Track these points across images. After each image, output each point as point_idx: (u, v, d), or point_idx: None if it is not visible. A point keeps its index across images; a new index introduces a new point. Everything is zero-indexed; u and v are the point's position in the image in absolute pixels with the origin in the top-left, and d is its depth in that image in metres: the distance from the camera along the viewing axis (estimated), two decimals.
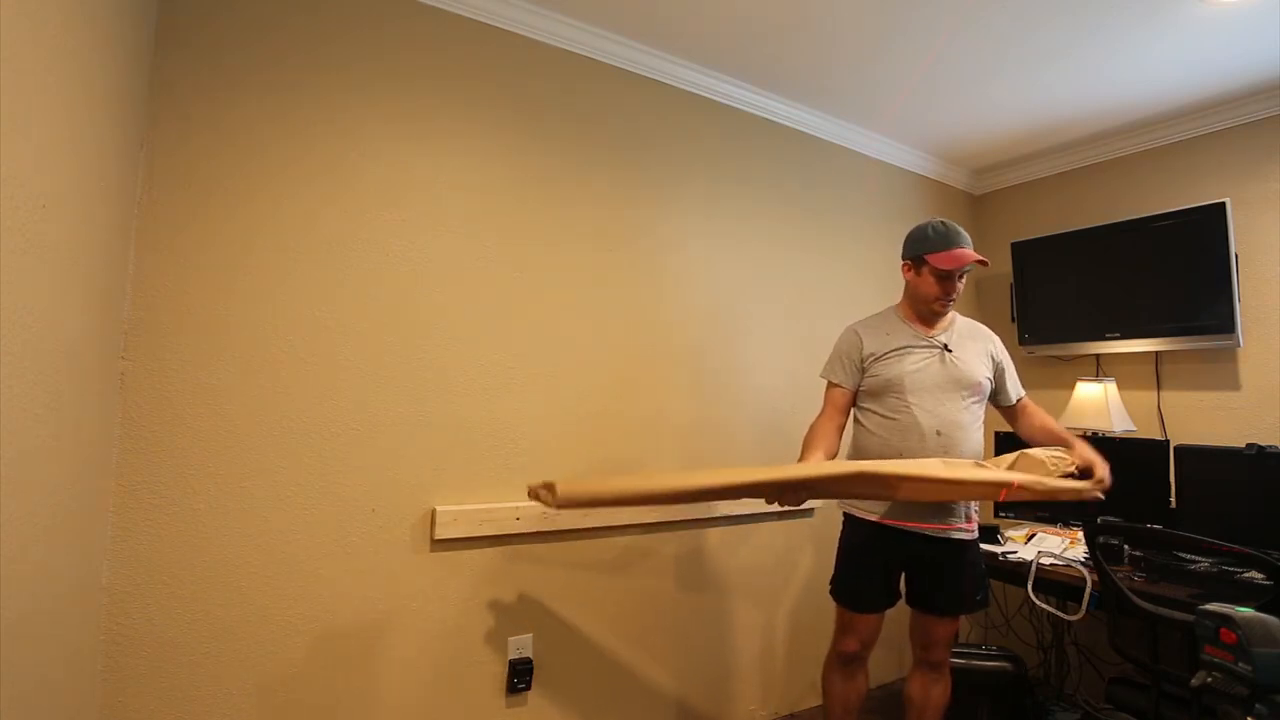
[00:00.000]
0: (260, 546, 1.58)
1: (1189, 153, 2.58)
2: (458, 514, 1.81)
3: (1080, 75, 2.29)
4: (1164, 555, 2.10)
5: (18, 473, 0.92)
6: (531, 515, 1.92)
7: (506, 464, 1.92)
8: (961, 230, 1.75)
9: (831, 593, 1.84)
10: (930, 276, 1.77)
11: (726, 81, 2.40)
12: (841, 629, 1.82)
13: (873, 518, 1.76)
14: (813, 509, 2.56)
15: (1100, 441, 2.45)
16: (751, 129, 2.53)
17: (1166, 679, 1.75)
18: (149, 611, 1.46)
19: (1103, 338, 2.65)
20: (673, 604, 2.22)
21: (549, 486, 1.34)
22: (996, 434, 2.60)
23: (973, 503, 1.79)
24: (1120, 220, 2.62)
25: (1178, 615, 1.64)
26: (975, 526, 1.79)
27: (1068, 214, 2.92)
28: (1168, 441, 2.33)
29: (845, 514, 1.86)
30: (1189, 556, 2.05)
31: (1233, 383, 2.42)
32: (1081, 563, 2.11)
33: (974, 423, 1.77)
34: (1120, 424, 2.42)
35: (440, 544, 1.80)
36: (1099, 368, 2.77)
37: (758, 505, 2.36)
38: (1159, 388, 2.60)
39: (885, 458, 1.68)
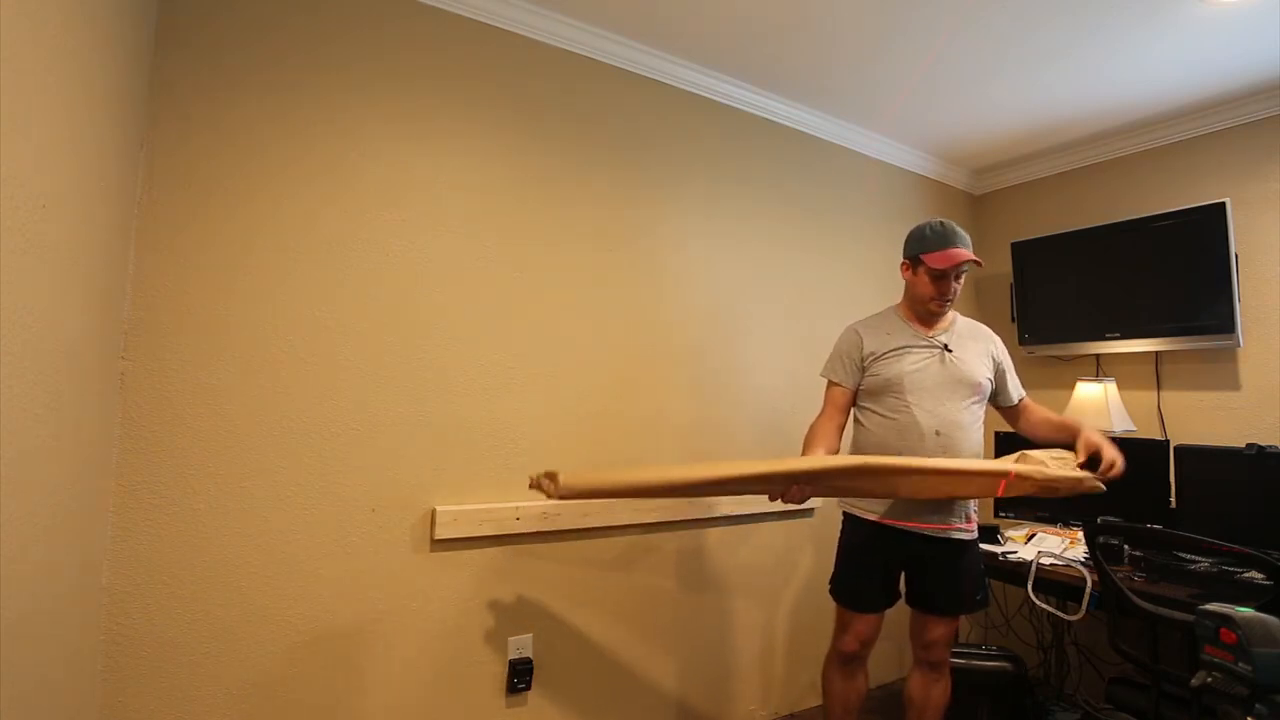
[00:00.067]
0: (260, 546, 1.58)
1: (1189, 153, 2.58)
2: (458, 514, 1.81)
3: (1080, 75, 2.29)
4: (1164, 555, 2.09)
5: (18, 473, 0.92)
6: (531, 515, 1.92)
7: (506, 464, 1.92)
8: (959, 230, 1.75)
9: (831, 592, 1.85)
10: (926, 276, 1.77)
11: (726, 81, 2.40)
12: (841, 628, 1.82)
13: (873, 517, 1.76)
14: (813, 509, 2.56)
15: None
16: (751, 129, 2.53)
17: (1166, 679, 1.75)
18: (149, 611, 1.46)
19: (1103, 338, 2.65)
20: (673, 603, 2.22)
21: (551, 476, 1.34)
22: (996, 434, 2.60)
23: (972, 503, 1.79)
24: (1120, 220, 2.62)
25: (1178, 615, 1.64)
26: (975, 526, 1.79)
27: (1068, 214, 2.92)
28: (1168, 441, 2.33)
29: (845, 513, 1.86)
30: (1189, 556, 2.05)
31: (1233, 383, 2.42)
32: (1081, 563, 2.11)
33: (974, 423, 1.77)
34: (1120, 424, 2.42)
35: (440, 544, 1.80)
36: (1099, 368, 2.77)
37: (758, 505, 2.37)
38: (1159, 388, 2.60)
39: None
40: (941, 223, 1.77)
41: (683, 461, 2.25)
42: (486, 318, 1.92)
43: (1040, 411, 1.87)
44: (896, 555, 1.78)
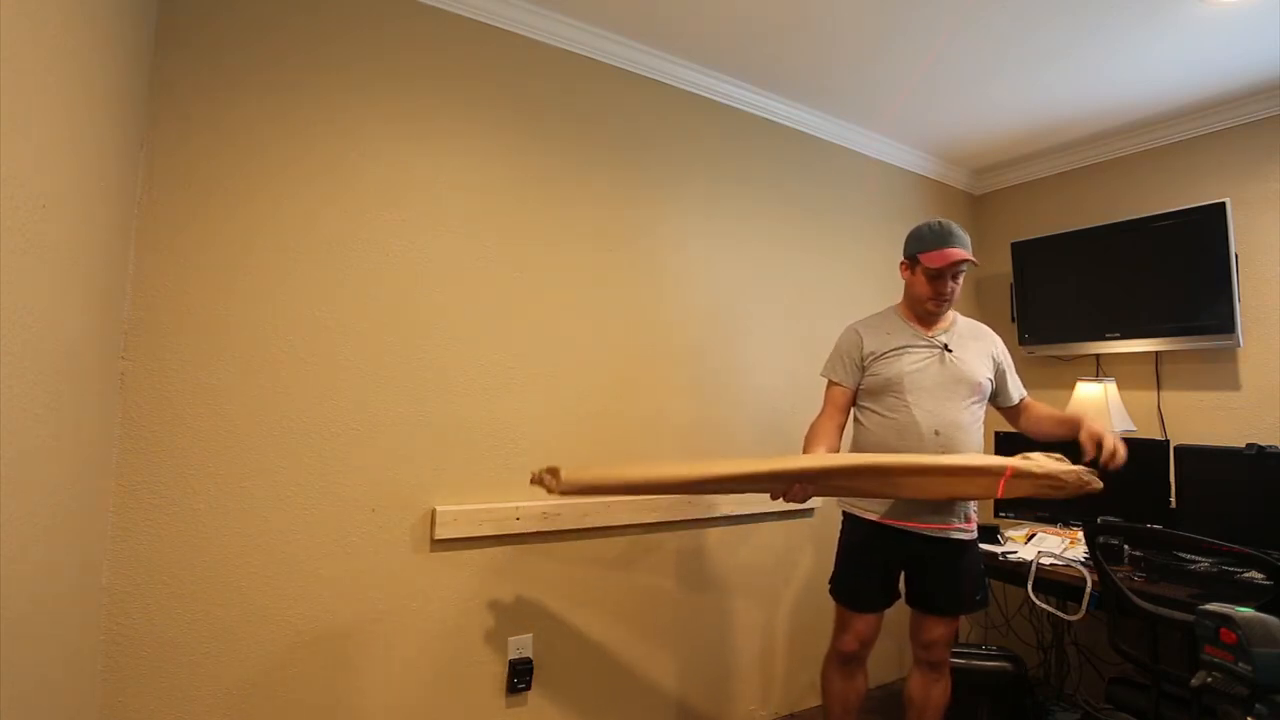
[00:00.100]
0: (260, 546, 1.58)
1: (1189, 153, 2.58)
2: (458, 514, 1.81)
3: (1080, 75, 2.29)
4: (1164, 555, 2.09)
5: (18, 473, 0.92)
6: (531, 515, 1.92)
7: (506, 464, 1.92)
8: (957, 230, 1.74)
9: (831, 592, 1.85)
10: (922, 276, 1.77)
11: (726, 81, 2.40)
12: (840, 628, 1.82)
13: (872, 517, 1.76)
14: (813, 509, 2.57)
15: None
16: (751, 129, 2.53)
17: (1166, 679, 1.75)
18: (149, 611, 1.46)
19: (1103, 338, 2.65)
20: (673, 603, 2.22)
21: (553, 471, 1.33)
22: (996, 434, 2.60)
23: (972, 503, 1.79)
24: (1120, 220, 2.62)
25: (1178, 615, 1.64)
26: (974, 526, 1.79)
27: (1068, 214, 2.92)
28: (1168, 441, 2.33)
29: (844, 513, 1.86)
30: (1189, 556, 2.05)
31: (1233, 383, 2.42)
32: (1081, 563, 2.11)
33: (973, 423, 1.77)
34: (1120, 424, 2.42)
35: (440, 544, 1.80)
36: (1099, 368, 2.77)
37: (758, 505, 2.37)
38: (1159, 388, 2.60)
39: None
40: (940, 222, 1.77)
41: (683, 461, 2.25)
42: (486, 318, 1.92)
43: (1041, 408, 1.87)
44: (896, 555, 1.78)
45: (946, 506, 1.74)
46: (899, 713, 1.95)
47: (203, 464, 1.53)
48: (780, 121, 2.59)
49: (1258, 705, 1.07)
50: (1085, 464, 1.60)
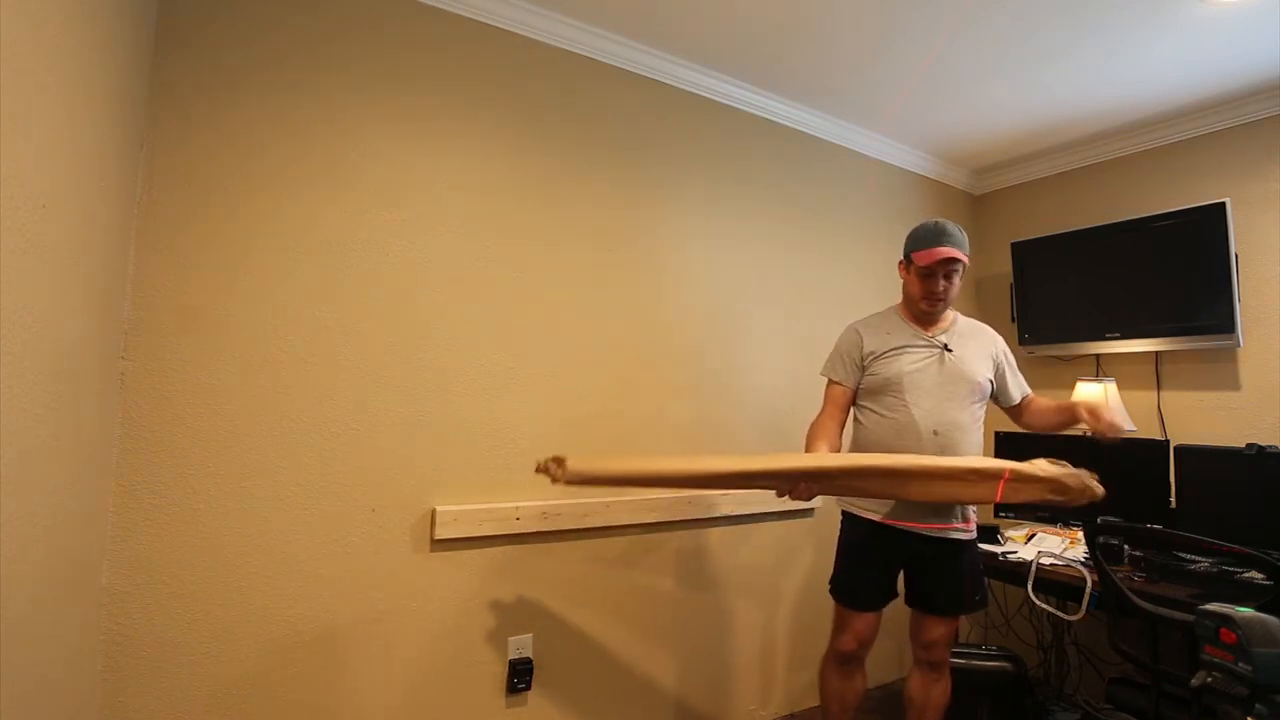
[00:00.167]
0: (260, 546, 1.58)
1: (1189, 153, 2.58)
2: (458, 514, 1.81)
3: (1080, 75, 2.29)
4: (1164, 555, 2.09)
5: (18, 473, 0.92)
6: (531, 515, 1.92)
7: (506, 464, 1.92)
8: (951, 230, 1.74)
9: (830, 591, 1.85)
10: (915, 275, 1.78)
11: (726, 81, 2.40)
12: (839, 628, 1.82)
13: (874, 517, 1.76)
14: (813, 509, 2.56)
15: (1100, 442, 2.46)
16: (751, 129, 2.53)
17: (1166, 679, 1.75)
18: (149, 611, 1.46)
19: (1103, 338, 2.65)
20: (673, 603, 2.22)
21: (559, 461, 1.33)
22: (997, 434, 2.60)
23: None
24: (1120, 220, 2.62)
25: (1178, 615, 1.64)
26: (974, 526, 1.79)
27: (1068, 214, 2.92)
28: (1168, 441, 2.33)
29: (844, 512, 1.86)
30: (1189, 556, 2.05)
31: (1233, 383, 2.42)
32: (1081, 563, 2.11)
33: (973, 423, 1.77)
34: (1120, 424, 2.41)
35: (440, 544, 1.80)
36: (1099, 368, 2.77)
37: (758, 505, 2.37)
38: (1159, 388, 2.60)
39: None
40: (936, 222, 1.77)
41: (688, 456, 2.25)
42: (486, 318, 1.92)
43: (1041, 402, 1.88)
44: (896, 555, 1.78)
45: (946, 507, 1.73)
46: (899, 713, 1.95)
47: (203, 464, 1.53)
48: (780, 121, 2.59)
49: (1258, 705, 1.07)
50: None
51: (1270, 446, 2.02)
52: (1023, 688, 2.25)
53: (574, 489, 2.00)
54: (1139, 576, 2.02)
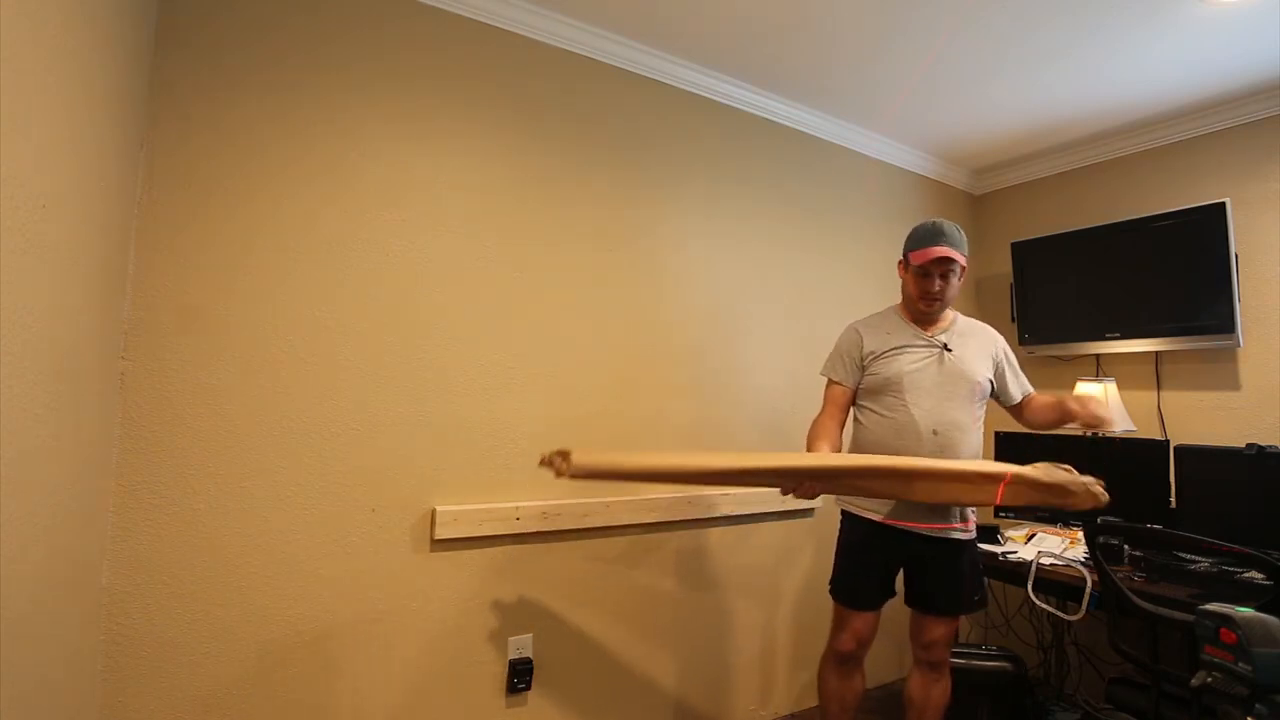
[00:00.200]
0: (260, 546, 1.58)
1: (1189, 153, 2.58)
2: (458, 514, 1.81)
3: (1080, 75, 2.29)
4: (1164, 555, 2.09)
5: (18, 473, 0.92)
6: (531, 515, 1.92)
7: (506, 464, 1.92)
8: (948, 230, 1.74)
9: (830, 590, 1.85)
10: (912, 275, 1.79)
11: (726, 81, 2.40)
12: (838, 628, 1.82)
13: (874, 517, 1.76)
14: (813, 509, 2.57)
15: (1100, 442, 2.46)
16: (751, 129, 2.53)
17: (1166, 679, 1.75)
18: (149, 611, 1.46)
19: (1103, 338, 2.65)
20: (673, 603, 2.22)
21: (564, 454, 1.32)
22: (997, 434, 2.60)
23: None
24: (1120, 220, 2.62)
25: (1178, 615, 1.64)
26: (973, 526, 1.79)
27: (1068, 214, 2.92)
28: (1168, 441, 2.33)
29: (843, 511, 1.86)
30: (1189, 556, 2.05)
31: (1233, 383, 2.42)
32: (1081, 563, 2.11)
33: (973, 423, 1.77)
34: (1120, 424, 2.41)
35: (440, 544, 1.80)
36: (1099, 368, 2.77)
37: (758, 505, 2.37)
38: (1159, 388, 2.60)
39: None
40: (934, 222, 1.77)
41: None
42: (486, 318, 1.92)
43: (1038, 399, 1.86)
44: (896, 555, 1.79)
45: (945, 507, 1.73)
46: (899, 713, 1.95)
47: (203, 464, 1.53)
48: (780, 121, 2.59)
49: (1258, 705, 1.07)
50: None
51: (1270, 446, 2.02)
52: (1023, 688, 2.25)
53: (574, 486, 2.01)
54: (1139, 576, 2.02)
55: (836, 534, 1.89)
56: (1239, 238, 2.35)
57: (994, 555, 2.28)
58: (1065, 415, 1.74)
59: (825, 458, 1.59)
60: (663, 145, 2.29)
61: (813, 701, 2.51)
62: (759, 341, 2.50)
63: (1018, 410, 1.90)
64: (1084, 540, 2.07)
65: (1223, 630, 1.13)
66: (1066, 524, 2.48)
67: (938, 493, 1.59)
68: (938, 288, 1.75)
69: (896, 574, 1.83)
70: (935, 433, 1.71)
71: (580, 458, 1.33)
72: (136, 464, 1.46)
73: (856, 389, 1.85)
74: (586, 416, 2.07)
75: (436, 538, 1.78)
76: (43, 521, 1.02)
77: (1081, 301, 2.71)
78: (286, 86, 1.67)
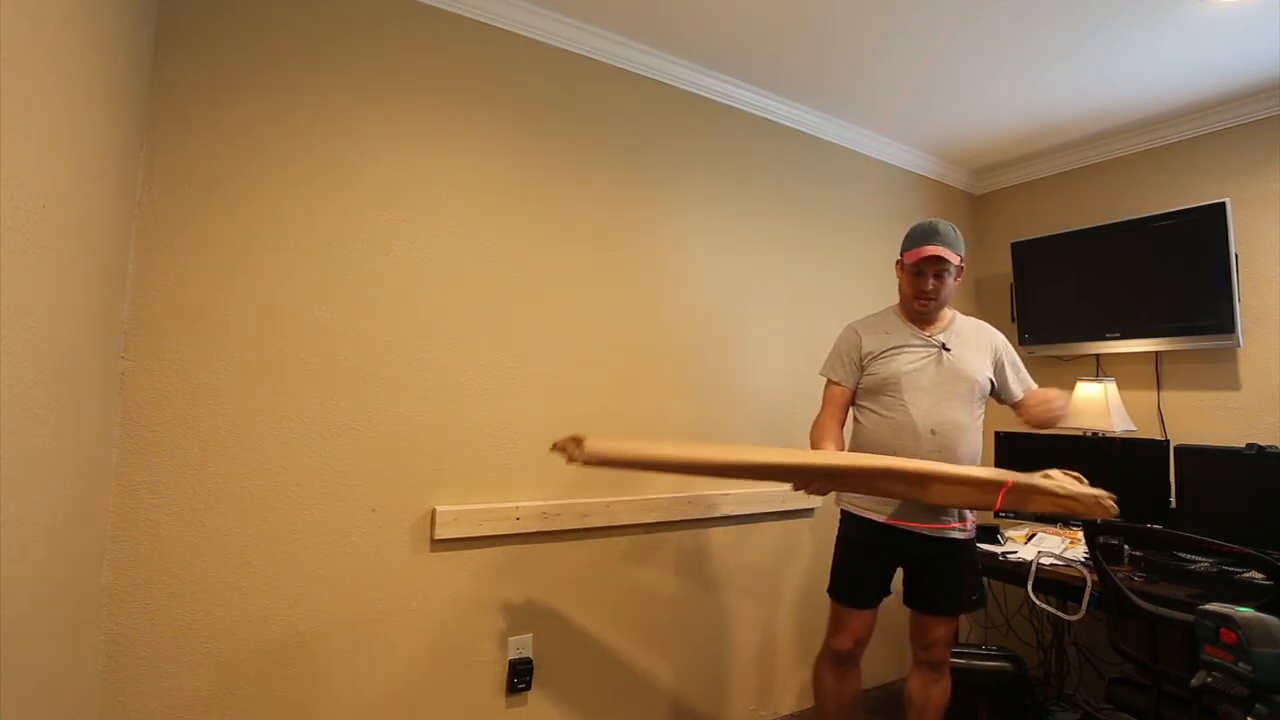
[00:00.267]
0: (260, 546, 1.58)
1: (1189, 153, 2.58)
2: (458, 514, 1.81)
3: (1080, 75, 2.29)
4: (1164, 555, 2.10)
5: (18, 473, 0.92)
6: (531, 515, 1.92)
7: (506, 464, 1.92)
8: (942, 229, 1.74)
9: (829, 590, 1.85)
10: (906, 274, 1.80)
11: (726, 81, 2.40)
12: (836, 627, 1.82)
13: (875, 517, 1.76)
14: (813, 509, 2.57)
15: (1100, 442, 2.46)
16: (751, 129, 2.53)
17: (1166, 679, 1.75)
18: (149, 611, 1.46)
19: (1103, 338, 2.65)
20: (673, 603, 2.22)
21: (577, 440, 1.31)
22: (996, 434, 2.61)
23: None
24: (1120, 220, 2.62)
25: (1178, 615, 1.64)
26: (972, 526, 1.80)
27: (1068, 214, 2.92)
28: (1168, 441, 2.33)
29: (843, 511, 1.86)
30: (1189, 556, 2.05)
31: (1233, 383, 2.42)
32: (1081, 563, 2.11)
33: (972, 423, 1.77)
34: (1120, 424, 2.42)
35: (440, 544, 1.80)
36: (1099, 368, 2.77)
37: (759, 505, 2.37)
38: (1159, 388, 2.60)
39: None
40: (929, 222, 1.78)
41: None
42: (486, 318, 1.92)
43: (1031, 396, 1.83)
44: (895, 555, 1.79)
45: (945, 507, 1.73)
46: (899, 713, 1.95)
47: (203, 464, 1.53)
48: (780, 121, 2.59)
49: (1258, 705, 1.07)
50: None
51: (1270, 446, 2.02)
52: (1023, 688, 2.25)
53: (573, 486, 2.01)
54: (1139, 576, 2.02)
55: (836, 534, 1.89)
56: (1239, 238, 2.35)
57: (994, 555, 2.28)
58: (1045, 411, 1.73)
59: (841, 457, 1.58)
60: (663, 145, 2.29)
61: (812, 701, 2.52)
62: (759, 341, 2.50)
63: (1020, 408, 1.90)
64: (1084, 540, 2.07)
65: (1223, 630, 1.13)
66: (1066, 524, 2.48)
67: (951, 495, 1.58)
68: (931, 287, 1.76)
69: (894, 574, 1.83)
70: (933, 432, 1.71)
71: (594, 444, 1.31)
72: (136, 464, 1.46)
73: (856, 389, 1.85)
74: (586, 416, 2.07)
75: (436, 538, 1.78)
76: (43, 521, 1.02)
77: (1081, 301, 2.71)
78: (286, 86, 1.67)
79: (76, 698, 1.26)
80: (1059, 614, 2.24)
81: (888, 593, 1.82)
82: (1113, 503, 1.48)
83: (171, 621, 1.48)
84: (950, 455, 1.69)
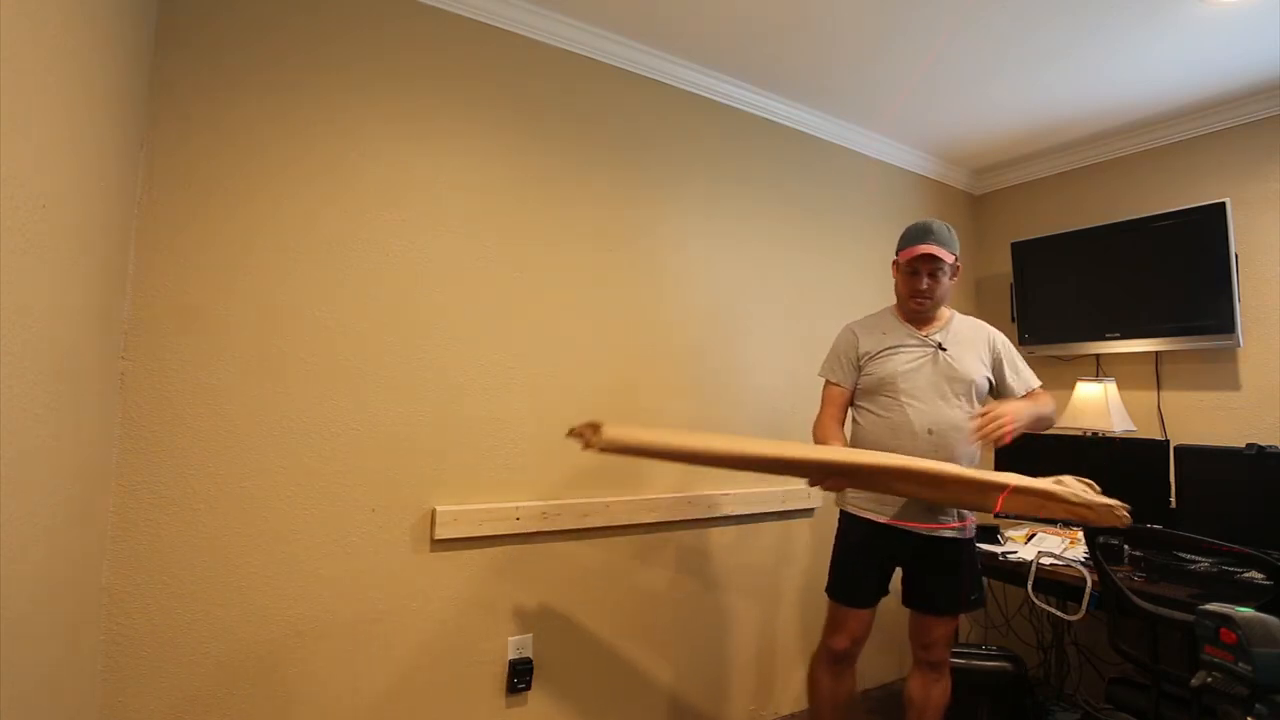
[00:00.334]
0: (260, 546, 1.58)
1: (1189, 153, 2.58)
2: (458, 514, 1.81)
3: (1080, 75, 2.29)
4: (1164, 555, 2.10)
5: (18, 473, 0.92)
6: (531, 515, 1.92)
7: (506, 464, 1.92)
8: (936, 229, 1.74)
9: (828, 590, 1.84)
10: (901, 274, 1.81)
11: (726, 81, 2.40)
12: (834, 627, 1.82)
13: (874, 518, 1.76)
14: (813, 509, 2.57)
15: (1100, 441, 2.46)
16: (751, 129, 2.53)
17: (1166, 679, 1.75)
18: (149, 611, 1.46)
19: (1103, 338, 2.65)
20: (673, 603, 2.22)
21: (594, 426, 1.30)
22: None
23: None
24: (1120, 220, 2.62)
25: (1178, 615, 1.64)
26: (971, 526, 1.79)
27: (1068, 214, 2.92)
28: (1168, 441, 2.33)
29: (842, 512, 1.86)
30: (1189, 556, 2.05)
31: (1233, 383, 2.42)
32: (1081, 563, 2.11)
33: (969, 422, 1.76)
34: (1120, 424, 2.42)
35: (440, 544, 1.80)
36: (1099, 368, 2.77)
37: (759, 505, 2.37)
38: (1159, 388, 2.60)
39: None
40: (924, 221, 1.78)
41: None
42: (486, 318, 1.92)
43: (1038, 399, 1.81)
44: (894, 555, 1.79)
45: (944, 507, 1.74)
46: (899, 713, 1.95)
47: (203, 464, 1.53)
48: (780, 121, 2.59)
49: (1258, 705, 1.07)
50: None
51: (1270, 446, 2.02)
52: (1023, 688, 2.25)
53: (573, 486, 2.01)
54: (1139, 576, 2.02)
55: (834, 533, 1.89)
56: (1239, 238, 2.35)
57: (994, 555, 2.28)
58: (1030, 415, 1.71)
59: (860, 454, 1.56)
60: (663, 145, 2.29)
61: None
62: (759, 341, 2.50)
63: None
64: (1084, 540, 2.07)
65: (1223, 630, 1.13)
66: (1066, 524, 2.48)
67: (965, 497, 1.58)
68: (925, 286, 1.76)
69: (893, 574, 1.83)
70: (930, 432, 1.71)
71: (611, 431, 1.31)
72: (136, 464, 1.46)
73: (854, 389, 1.85)
74: (587, 416, 2.06)
75: (436, 538, 1.78)
76: (43, 521, 1.02)
77: (1081, 301, 2.71)
78: (286, 86, 1.67)
79: (76, 698, 1.26)
80: (1059, 614, 2.24)
81: (886, 593, 1.82)
82: (1126, 512, 1.47)
83: (171, 621, 1.48)
84: (947, 455, 1.68)
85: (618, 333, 2.15)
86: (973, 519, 1.80)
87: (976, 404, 1.79)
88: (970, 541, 1.80)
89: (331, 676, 1.65)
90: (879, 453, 1.64)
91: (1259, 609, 1.17)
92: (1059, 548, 2.29)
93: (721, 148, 2.44)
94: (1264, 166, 2.37)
